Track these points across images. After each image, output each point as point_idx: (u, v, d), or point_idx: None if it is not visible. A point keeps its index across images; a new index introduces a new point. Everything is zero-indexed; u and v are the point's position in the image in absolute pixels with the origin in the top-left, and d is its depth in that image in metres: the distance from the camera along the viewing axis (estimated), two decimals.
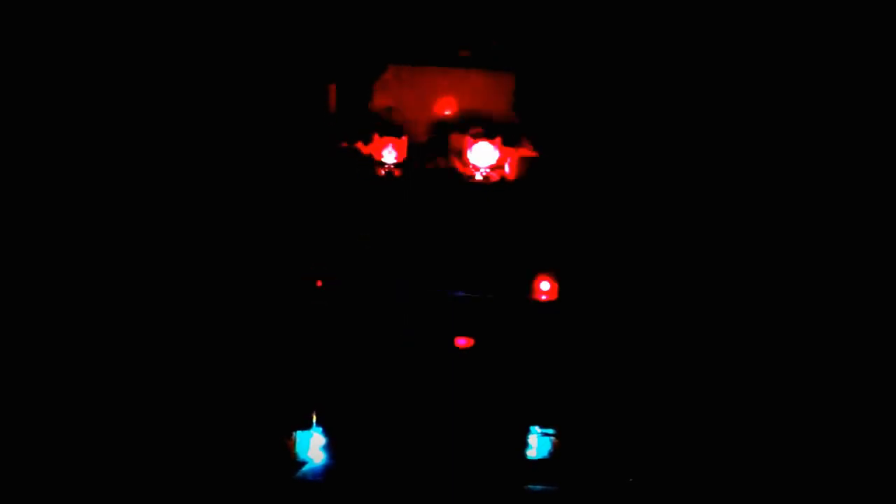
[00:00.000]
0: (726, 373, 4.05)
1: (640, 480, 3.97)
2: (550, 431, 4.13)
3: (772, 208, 4.06)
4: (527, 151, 4.37)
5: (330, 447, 4.16)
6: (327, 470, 4.12)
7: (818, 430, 3.86)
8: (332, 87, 4.42)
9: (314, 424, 4.17)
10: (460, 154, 4.43)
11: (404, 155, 4.44)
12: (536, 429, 4.13)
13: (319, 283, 4.27)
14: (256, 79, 4.22)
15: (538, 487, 4.00)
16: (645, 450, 4.04)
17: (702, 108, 4.06)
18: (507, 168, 4.40)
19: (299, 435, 4.15)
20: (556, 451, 4.12)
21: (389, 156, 4.44)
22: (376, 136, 4.44)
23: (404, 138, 4.43)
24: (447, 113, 4.47)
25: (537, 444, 4.14)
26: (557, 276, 4.26)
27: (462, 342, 4.24)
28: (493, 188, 4.37)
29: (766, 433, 3.94)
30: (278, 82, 4.24)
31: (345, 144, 4.45)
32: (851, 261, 3.95)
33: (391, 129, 4.43)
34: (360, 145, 4.46)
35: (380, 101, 4.49)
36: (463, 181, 4.41)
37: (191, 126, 4.20)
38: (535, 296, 4.26)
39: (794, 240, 4.04)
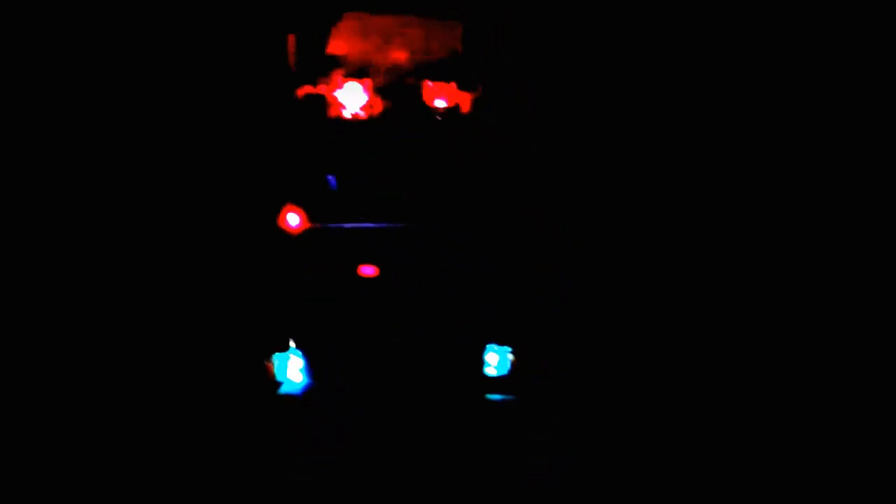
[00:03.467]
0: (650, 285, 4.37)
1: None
2: (508, 349, 4.50)
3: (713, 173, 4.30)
4: (477, 93, 4.68)
5: (307, 368, 4.52)
6: (304, 389, 4.49)
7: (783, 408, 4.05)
8: (291, 36, 4.70)
9: (292, 347, 4.52)
10: (419, 95, 4.73)
11: (368, 98, 4.73)
12: (494, 346, 4.49)
13: (298, 223, 4.57)
14: (218, 30, 4.51)
15: (497, 397, 4.39)
16: (588, 362, 4.43)
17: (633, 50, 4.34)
18: (461, 107, 4.70)
19: (277, 357, 4.51)
20: (514, 366, 4.49)
21: (353, 99, 4.73)
22: (339, 80, 4.72)
23: (366, 81, 4.72)
24: (405, 57, 4.76)
25: (496, 360, 4.51)
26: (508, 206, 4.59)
27: (423, 268, 4.58)
28: (449, 126, 4.68)
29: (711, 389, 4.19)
30: (238, 32, 4.53)
31: (307, 90, 4.73)
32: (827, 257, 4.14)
33: (353, 72, 4.72)
34: (322, 90, 4.74)
35: (338, 48, 4.77)
36: (422, 121, 4.71)
37: (160, 78, 4.50)
38: (487, 224, 4.59)
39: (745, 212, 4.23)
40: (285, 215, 4.59)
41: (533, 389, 4.39)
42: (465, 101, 4.66)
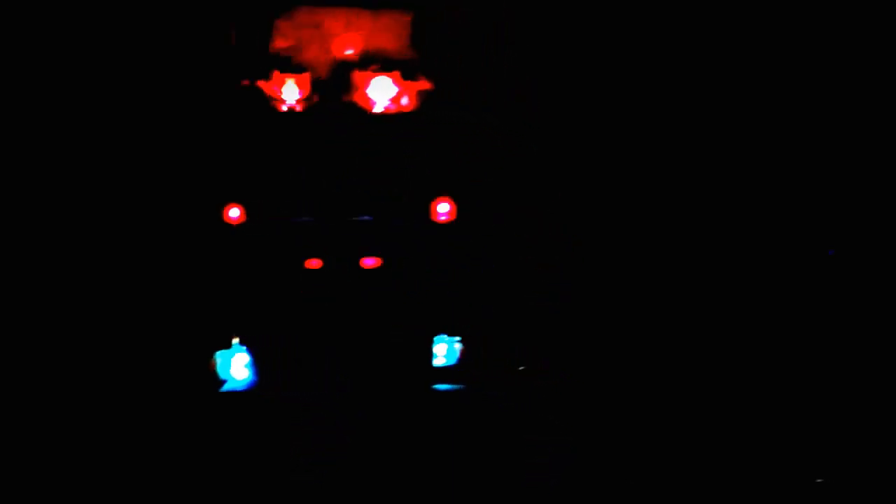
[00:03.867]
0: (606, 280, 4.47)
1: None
2: (455, 339, 4.51)
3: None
4: (423, 84, 4.69)
5: (250, 365, 4.42)
6: (248, 387, 4.39)
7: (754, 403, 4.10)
8: (232, 28, 4.63)
9: (235, 344, 4.42)
10: (360, 89, 4.71)
11: (307, 91, 4.69)
12: (443, 337, 4.49)
13: (238, 217, 4.48)
14: (157, 21, 4.40)
15: (444, 387, 4.39)
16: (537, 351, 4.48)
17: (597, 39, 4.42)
18: (405, 101, 4.71)
19: (220, 355, 4.40)
20: (461, 356, 4.50)
21: (291, 92, 4.68)
22: (277, 74, 4.66)
23: (306, 75, 4.68)
24: (347, 52, 4.74)
25: (444, 351, 4.51)
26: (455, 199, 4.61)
27: (369, 262, 4.55)
28: (392, 119, 4.67)
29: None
30: (179, 23, 4.43)
31: (246, 83, 4.66)
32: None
33: (293, 66, 4.67)
34: (261, 83, 4.68)
35: (279, 40, 4.72)
36: (363, 115, 4.69)
37: (95, 69, 4.36)
38: (434, 217, 4.60)
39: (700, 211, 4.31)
40: (226, 209, 4.49)
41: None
42: (410, 93, 4.66)
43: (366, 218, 4.58)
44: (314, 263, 4.51)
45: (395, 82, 4.68)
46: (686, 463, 4.02)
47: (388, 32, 4.71)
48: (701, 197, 4.36)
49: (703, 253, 4.34)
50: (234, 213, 4.50)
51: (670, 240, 4.45)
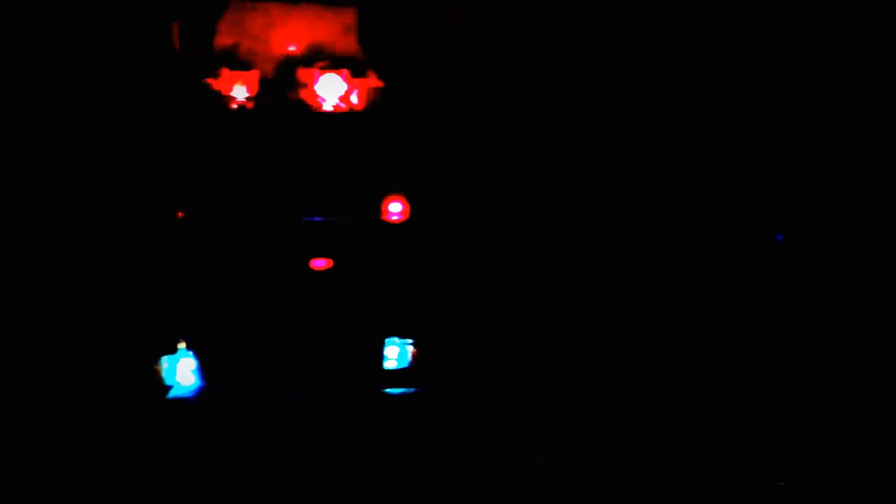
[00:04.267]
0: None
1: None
2: (408, 341, 4.43)
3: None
4: (373, 82, 4.61)
5: (198, 370, 4.32)
6: (196, 392, 4.29)
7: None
8: (175, 25, 4.52)
9: (182, 349, 4.31)
10: (309, 86, 4.62)
11: (255, 89, 4.59)
12: (394, 339, 4.41)
13: (180, 215, 4.39)
14: (99, 20, 4.28)
15: (396, 391, 4.31)
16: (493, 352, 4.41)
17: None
18: (354, 99, 4.62)
19: (167, 360, 4.29)
20: (414, 358, 4.43)
21: (240, 91, 4.58)
22: (226, 72, 4.56)
23: (254, 72, 4.58)
24: (295, 49, 4.65)
25: (395, 353, 4.43)
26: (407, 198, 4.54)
27: (320, 264, 4.47)
28: (342, 117, 4.59)
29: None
30: (121, 22, 4.31)
31: (193, 81, 4.56)
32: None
33: (240, 64, 4.57)
34: (209, 81, 4.58)
35: (226, 38, 4.62)
36: (313, 113, 4.60)
37: (37, 71, 4.24)
38: (386, 217, 4.52)
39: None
40: (171, 210, 4.39)
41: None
42: (360, 91, 4.58)
43: (316, 218, 4.49)
44: (261, 265, 4.41)
45: (344, 80, 4.59)
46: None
47: (337, 29, 4.62)
48: (673, 193, 4.33)
49: (679, 250, 4.32)
50: (179, 214, 4.40)
51: (636, 237, 4.42)
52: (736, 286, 4.33)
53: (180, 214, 4.38)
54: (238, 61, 4.59)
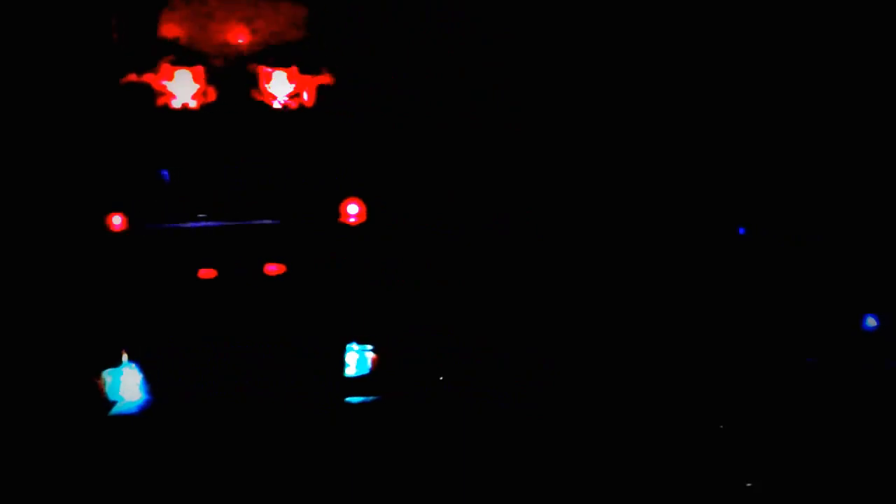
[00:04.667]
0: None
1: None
2: (368, 347, 4.24)
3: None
4: (325, 79, 4.43)
5: (143, 383, 4.04)
6: (142, 407, 4.01)
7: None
8: (114, 18, 4.26)
9: (125, 361, 4.03)
10: (257, 83, 4.42)
11: (200, 86, 4.36)
12: (353, 345, 4.22)
13: (123, 224, 4.12)
14: (28, 10, 4.00)
15: (357, 399, 4.10)
16: (456, 355, 4.26)
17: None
18: (305, 96, 4.44)
19: (110, 373, 4.00)
20: (374, 365, 4.24)
21: (183, 87, 4.34)
22: (168, 67, 4.32)
23: (199, 68, 4.35)
24: (241, 44, 4.44)
25: (355, 360, 4.23)
26: (365, 199, 4.37)
27: (273, 269, 4.25)
28: (293, 116, 4.39)
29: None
30: (53, 14, 4.04)
31: (132, 77, 4.30)
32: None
33: (184, 59, 4.34)
34: (150, 78, 4.33)
35: (167, 31, 4.38)
36: (262, 110, 4.40)
37: None
38: (343, 219, 4.34)
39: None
40: (111, 217, 4.11)
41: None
42: (310, 88, 4.39)
43: (268, 221, 4.28)
44: (210, 272, 4.17)
45: (293, 76, 4.40)
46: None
47: (287, 24, 4.43)
48: (634, 189, 4.29)
49: (641, 244, 4.27)
50: (118, 220, 4.12)
51: (602, 231, 4.36)
52: (701, 279, 4.33)
53: (120, 219, 4.11)
54: (182, 57, 4.35)
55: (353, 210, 4.28)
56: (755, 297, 4.21)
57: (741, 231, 4.24)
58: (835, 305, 4.30)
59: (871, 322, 4.31)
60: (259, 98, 4.36)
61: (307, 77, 4.40)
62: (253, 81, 4.38)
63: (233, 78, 4.37)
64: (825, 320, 4.31)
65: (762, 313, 4.28)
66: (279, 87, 4.37)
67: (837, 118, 4.32)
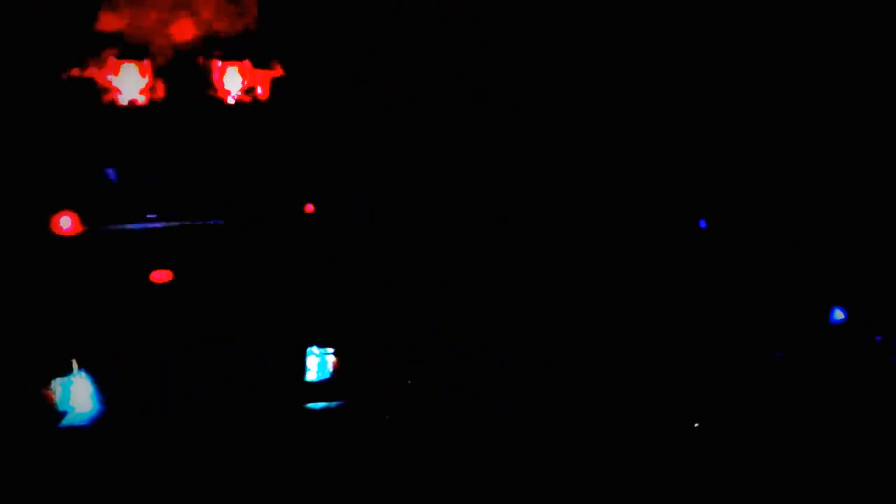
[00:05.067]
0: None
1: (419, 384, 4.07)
2: (329, 350, 4.12)
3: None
4: (279, 72, 4.27)
5: (95, 393, 3.89)
6: (94, 419, 3.86)
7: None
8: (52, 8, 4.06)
9: (75, 370, 3.88)
10: (209, 78, 4.25)
11: (147, 81, 4.18)
12: (314, 349, 4.09)
13: (70, 225, 3.95)
14: None
15: (318, 406, 3.99)
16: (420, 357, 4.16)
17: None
18: (258, 90, 4.27)
19: (59, 383, 3.84)
20: (335, 369, 4.12)
21: (130, 82, 4.16)
22: (111, 61, 4.13)
23: (145, 62, 4.17)
24: (191, 35, 4.26)
25: (316, 364, 4.11)
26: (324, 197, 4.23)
27: (227, 268, 4.11)
28: (247, 111, 4.23)
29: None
30: None
31: (74, 72, 4.11)
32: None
33: (130, 52, 4.15)
34: (93, 72, 4.14)
35: (111, 21, 4.18)
36: (215, 106, 4.23)
37: None
38: (304, 217, 4.20)
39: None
40: (57, 219, 3.93)
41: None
42: (263, 82, 4.23)
43: (225, 221, 4.13)
44: (164, 275, 4.02)
45: (247, 70, 4.24)
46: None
47: (238, 15, 4.25)
48: (590, 181, 4.20)
49: (598, 238, 4.20)
50: (66, 222, 3.95)
51: (559, 225, 4.28)
52: (660, 274, 4.25)
53: (68, 220, 3.94)
54: (128, 50, 4.16)
55: (310, 208, 4.14)
56: (720, 291, 4.15)
57: (702, 224, 4.17)
58: (802, 298, 4.26)
59: (838, 315, 4.26)
60: (211, 93, 4.19)
61: (261, 71, 4.23)
62: (204, 76, 4.20)
63: (183, 72, 4.20)
64: (792, 314, 4.27)
65: (727, 308, 4.23)
66: (232, 81, 4.21)
67: (801, 108, 4.26)
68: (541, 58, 4.25)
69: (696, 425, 4.03)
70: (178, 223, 4.06)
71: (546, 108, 4.28)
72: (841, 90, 4.26)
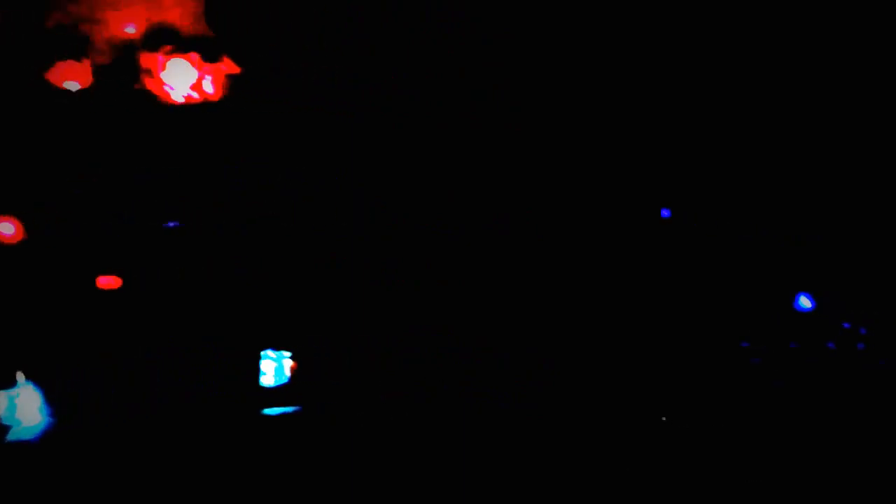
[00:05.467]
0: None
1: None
2: (286, 354, 4.00)
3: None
4: (229, 67, 4.13)
5: (43, 405, 3.75)
6: (42, 431, 3.72)
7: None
8: None
9: (21, 382, 3.74)
10: (154, 74, 4.10)
11: (89, 80, 4.03)
12: (269, 352, 3.97)
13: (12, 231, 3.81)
14: None
15: (275, 411, 3.88)
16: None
17: None
18: (208, 87, 4.13)
19: (4, 396, 3.70)
20: (293, 373, 4.01)
21: (70, 81, 4.01)
22: (53, 58, 3.98)
23: (86, 60, 4.01)
24: (132, 30, 4.10)
25: (272, 368, 4.00)
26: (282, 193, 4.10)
27: (177, 270, 3.97)
28: (196, 109, 4.09)
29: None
30: None
31: (12, 69, 3.96)
32: None
33: (71, 48, 3.99)
34: (33, 70, 3.98)
35: (52, 17, 4.03)
36: (160, 105, 4.08)
37: None
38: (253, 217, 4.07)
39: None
40: None
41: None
42: (215, 78, 4.08)
43: (171, 224, 3.99)
44: (111, 281, 3.88)
45: (194, 65, 4.09)
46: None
47: (184, 6, 4.10)
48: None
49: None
50: (8, 228, 3.80)
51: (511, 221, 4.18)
52: (623, 264, 4.20)
53: (11, 226, 3.79)
54: (67, 47, 4.00)
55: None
56: (686, 282, 4.09)
57: (665, 213, 4.10)
58: (768, 288, 4.21)
59: (805, 303, 4.21)
60: (156, 91, 4.05)
61: (209, 66, 4.09)
62: (148, 73, 4.05)
63: (125, 70, 4.04)
64: (759, 303, 4.22)
65: (695, 298, 4.17)
66: (178, 78, 4.06)
67: (759, 97, 4.21)
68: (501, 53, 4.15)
69: (664, 419, 3.98)
70: (128, 226, 3.92)
71: (511, 108, 4.19)
72: (805, 81, 4.21)
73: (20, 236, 3.81)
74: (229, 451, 3.74)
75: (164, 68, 4.07)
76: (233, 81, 4.10)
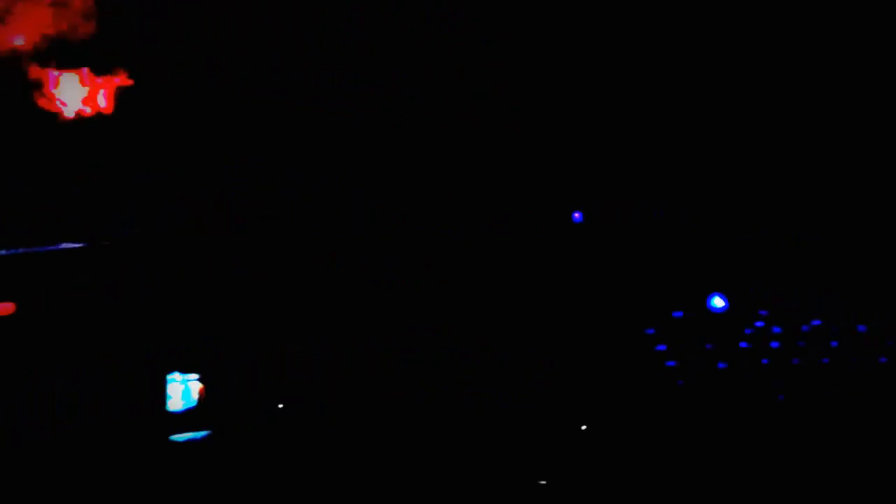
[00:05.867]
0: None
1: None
2: (193, 377, 3.83)
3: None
4: (124, 80, 3.96)
5: None
6: None
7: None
8: None
9: None
10: (43, 89, 3.91)
11: None
12: (176, 375, 3.79)
13: None
14: None
15: (183, 437, 3.70)
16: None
17: None
18: (101, 101, 3.96)
19: None
20: (202, 396, 3.84)
21: None
22: None
23: None
24: (20, 42, 3.90)
25: (179, 391, 3.82)
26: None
27: (74, 293, 3.78)
28: (89, 124, 3.91)
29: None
30: None
31: None
32: None
33: None
34: None
35: None
36: (52, 119, 3.89)
37: None
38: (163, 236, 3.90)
39: None
40: None
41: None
42: (107, 90, 3.91)
43: (73, 245, 3.79)
44: (6, 307, 3.66)
45: (87, 78, 3.91)
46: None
47: (74, 18, 3.92)
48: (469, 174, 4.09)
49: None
50: None
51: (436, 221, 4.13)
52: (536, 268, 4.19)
53: None
54: None
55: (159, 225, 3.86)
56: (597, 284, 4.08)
57: (577, 217, 4.09)
58: (682, 289, 4.22)
59: (718, 303, 4.24)
60: (47, 106, 3.85)
61: (103, 78, 3.91)
62: (38, 87, 3.86)
63: (13, 84, 3.84)
64: (673, 305, 4.23)
65: (609, 302, 4.16)
66: (70, 91, 3.88)
67: (681, 87, 4.25)
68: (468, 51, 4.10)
69: (584, 427, 3.94)
70: (19, 249, 3.71)
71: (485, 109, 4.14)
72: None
73: None
74: (135, 477, 3.55)
75: (55, 82, 3.88)
76: (128, 94, 3.94)
